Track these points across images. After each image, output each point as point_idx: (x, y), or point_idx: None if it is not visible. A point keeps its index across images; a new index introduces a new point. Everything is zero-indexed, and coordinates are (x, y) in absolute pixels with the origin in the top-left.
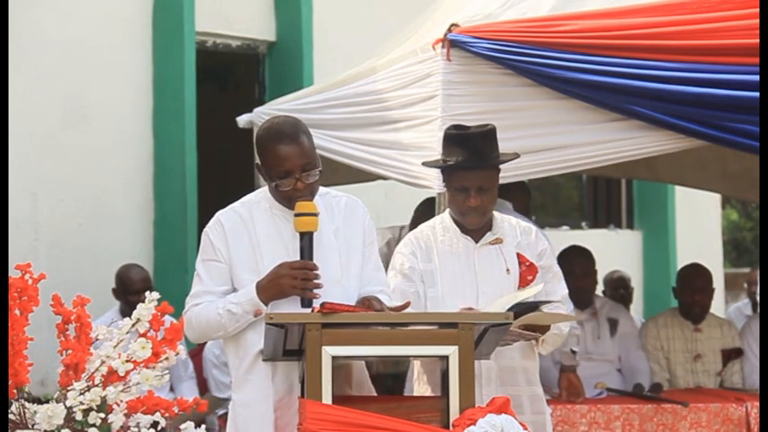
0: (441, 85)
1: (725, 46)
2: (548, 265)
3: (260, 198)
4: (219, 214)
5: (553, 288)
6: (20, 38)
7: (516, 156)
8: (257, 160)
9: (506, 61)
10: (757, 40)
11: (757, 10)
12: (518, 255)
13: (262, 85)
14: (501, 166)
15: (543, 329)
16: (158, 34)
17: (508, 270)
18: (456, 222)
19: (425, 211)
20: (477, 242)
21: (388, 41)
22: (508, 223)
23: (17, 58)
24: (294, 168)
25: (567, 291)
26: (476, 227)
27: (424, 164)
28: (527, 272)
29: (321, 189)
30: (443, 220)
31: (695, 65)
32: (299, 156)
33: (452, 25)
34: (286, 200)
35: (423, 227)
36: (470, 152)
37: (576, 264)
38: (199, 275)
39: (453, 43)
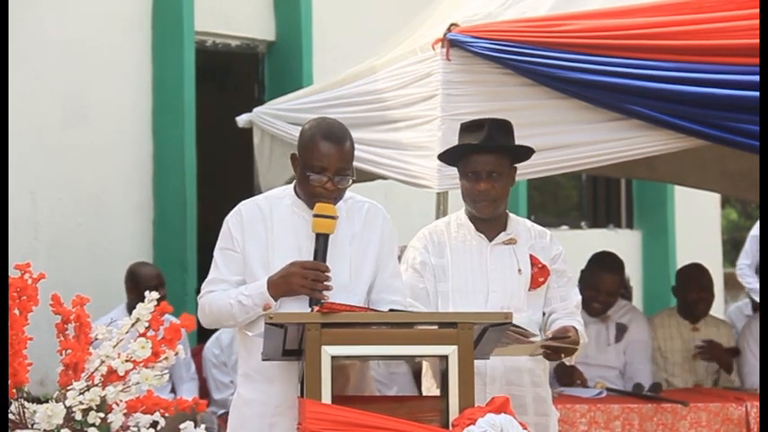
0: (440, 85)
1: (725, 46)
2: (561, 270)
3: (284, 195)
4: (241, 205)
5: (567, 293)
6: (20, 38)
7: (532, 151)
8: (279, 149)
9: (506, 61)
10: (757, 40)
11: (757, 10)
12: (531, 256)
13: (261, 84)
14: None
15: (569, 350)
16: (158, 34)
17: (520, 270)
18: (471, 220)
19: None
20: (490, 241)
21: (387, 41)
22: (523, 225)
23: (17, 58)
24: (330, 167)
25: (580, 297)
26: (487, 215)
27: (440, 158)
28: (539, 273)
29: (346, 193)
30: (458, 217)
31: (695, 65)
32: (339, 158)
33: (452, 25)
34: (310, 196)
35: (438, 222)
36: (484, 136)
37: (602, 280)
38: (216, 263)
39: (453, 43)
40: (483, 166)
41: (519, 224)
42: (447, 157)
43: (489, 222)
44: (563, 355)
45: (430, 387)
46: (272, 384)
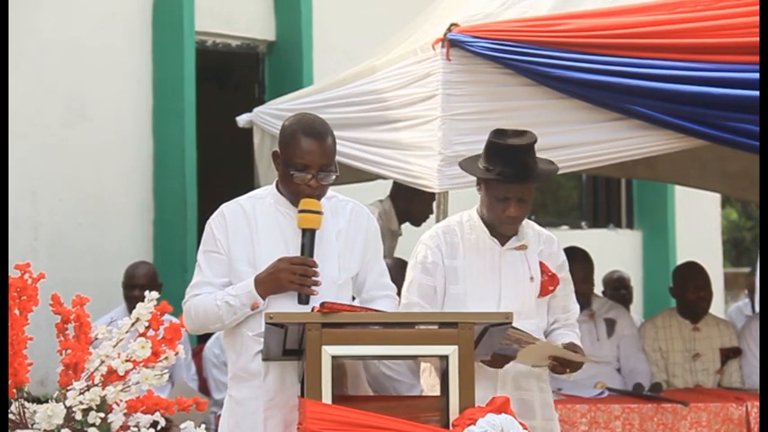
0: (440, 85)
1: (724, 44)
2: (567, 279)
3: (266, 194)
4: (223, 206)
5: (569, 304)
6: (20, 37)
7: (557, 169)
8: (276, 148)
9: (506, 61)
10: (757, 39)
11: (757, 8)
12: (541, 263)
13: (261, 84)
14: None
15: (575, 366)
16: (158, 34)
17: (532, 278)
18: (484, 223)
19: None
20: (502, 245)
21: (387, 41)
22: (532, 229)
23: (17, 58)
24: (313, 164)
25: (578, 308)
26: (511, 233)
27: (463, 168)
28: (548, 282)
29: (328, 192)
30: (471, 218)
31: (695, 63)
32: (321, 154)
33: (452, 25)
34: (294, 194)
35: (450, 221)
36: (516, 165)
37: (577, 269)
38: (199, 266)
39: (453, 43)
40: (515, 194)
41: (529, 228)
42: (468, 169)
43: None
44: (568, 371)
45: (434, 385)
46: (263, 380)
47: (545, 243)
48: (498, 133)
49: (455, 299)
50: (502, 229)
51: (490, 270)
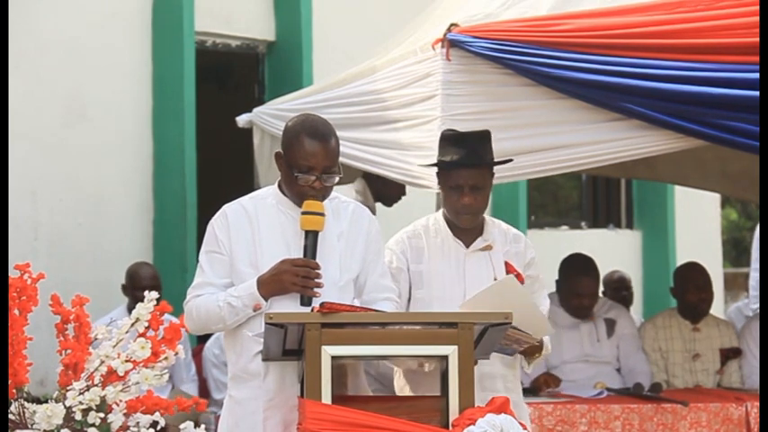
0: (440, 85)
1: (724, 44)
2: (534, 276)
3: (268, 194)
4: (226, 207)
5: (538, 300)
6: (20, 37)
7: (510, 160)
8: (279, 149)
9: (506, 61)
10: (757, 39)
11: (757, 8)
12: (506, 263)
13: (261, 84)
14: (500, 167)
15: (531, 349)
16: (158, 34)
17: (496, 278)
18: (449, 225)
19: None
20: (467, 247)
21: (387, 41)
22: (498, 228)
23: (17, 58)
24: (317, 166)
25: (548, 302)
26: (469, 226)
27: (420, 165)
28: None
29: (331, 192)
30: (437, 221)
31: (695, 63)
32: (325, 156)
33: (452, 25)
34: (297, 195)
35: (417, 224)
36: (466, 151)
37: (589, 284)
38: (201, 267)
39: (453, 43)
40: (466, 181)
41: (495, 227)
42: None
43: (467, 228)
44: (517, 348)
45: (403, 387)
46: (263, 380)
47: (512, 242)
48: (450, 129)
49: (420, 303)
50: (460, 222)
51: (455, 273)
